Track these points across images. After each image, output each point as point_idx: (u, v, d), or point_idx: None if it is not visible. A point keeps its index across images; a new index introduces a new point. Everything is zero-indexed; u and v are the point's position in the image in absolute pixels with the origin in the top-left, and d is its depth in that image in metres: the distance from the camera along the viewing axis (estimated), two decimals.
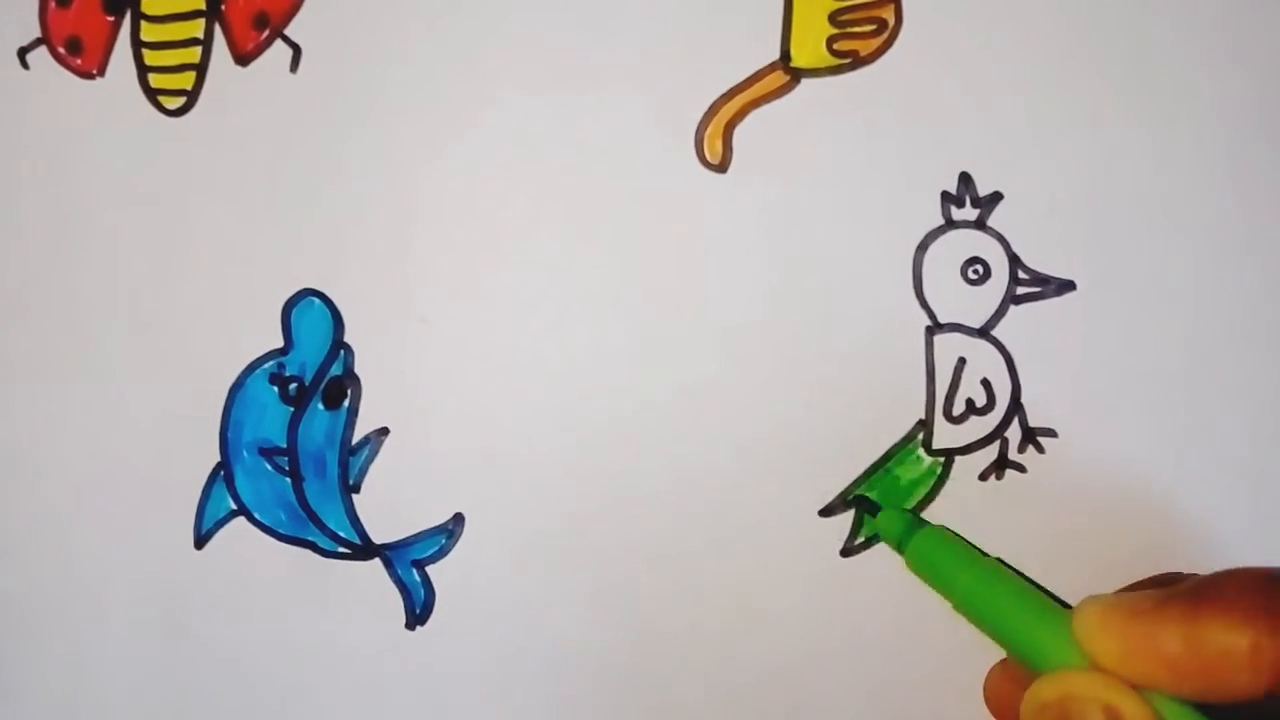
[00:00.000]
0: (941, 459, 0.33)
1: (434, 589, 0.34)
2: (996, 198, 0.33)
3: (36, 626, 0.36)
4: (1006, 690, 0.26)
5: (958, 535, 0.28)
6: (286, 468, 0.35)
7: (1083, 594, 0.32)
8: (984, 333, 0.33)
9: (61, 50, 0.36)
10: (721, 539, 0.33)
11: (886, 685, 0.33)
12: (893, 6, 0.33)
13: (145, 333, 0.35)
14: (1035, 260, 0.32)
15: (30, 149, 0.36)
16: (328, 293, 0.35)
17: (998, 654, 0.33)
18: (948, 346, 0.33)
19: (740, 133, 0.33)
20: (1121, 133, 0.33)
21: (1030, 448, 0.33)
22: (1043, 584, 0.33)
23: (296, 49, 0.35)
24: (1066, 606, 0.24)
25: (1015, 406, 0.33)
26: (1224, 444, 0.32)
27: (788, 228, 0.33)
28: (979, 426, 0.33)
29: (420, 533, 0.34)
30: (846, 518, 0.33)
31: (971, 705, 0.33)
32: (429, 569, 0.34)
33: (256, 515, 0.35)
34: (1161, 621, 0.22)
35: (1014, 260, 0.33)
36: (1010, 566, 0.26)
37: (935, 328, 0.33)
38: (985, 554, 0.27)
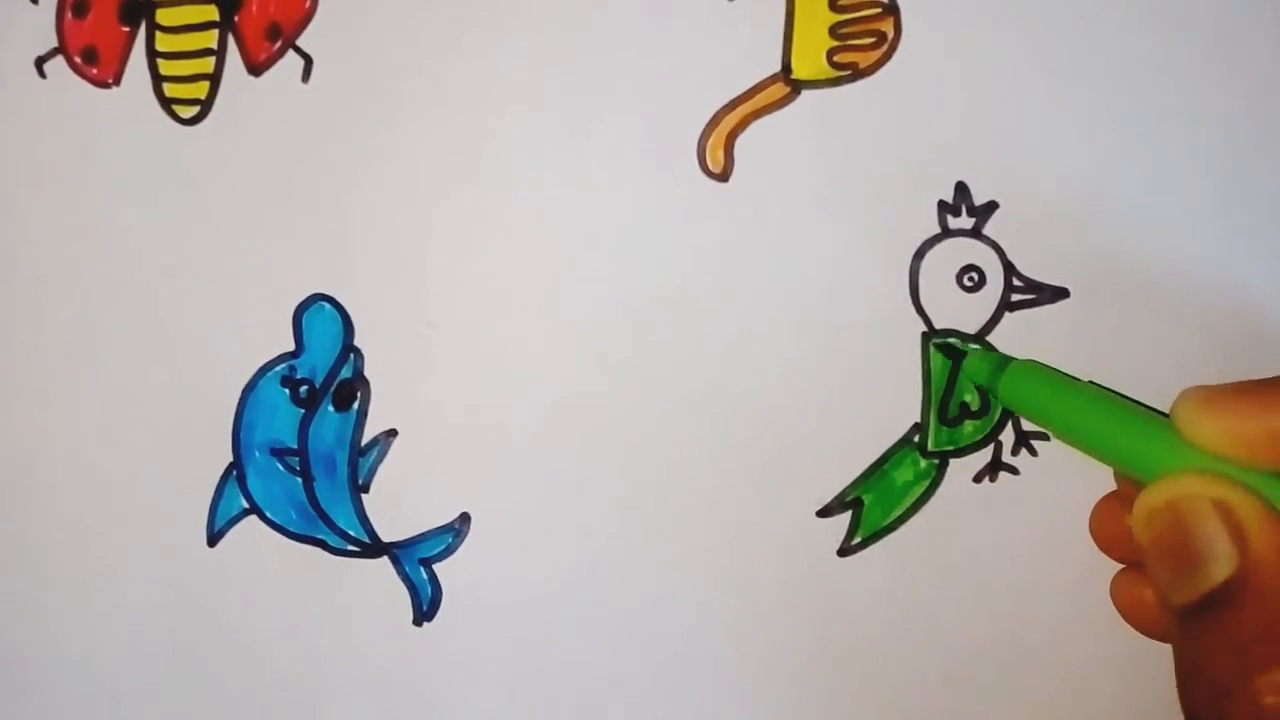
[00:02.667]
0: (936, 461, 0.33)
1: (441, 586, 0.35)
2: (992, 207, 0.33)
3: (52, 622, 0.36)
4: (1113, 516, 0.25)
5: (1044, 364, 0.27)
6: (297, 468, 0.35)
7: (1074, 593, 0.33)
8: (979, 339, 0.33)
9: (78, 60, 0.36)
10: (722, 539, 0.34)
11: (883, 684, 0.34)
12: (892, 20, 0.33)
13: (159, 336, 0.36)
14: (1029, 268, 0.33)
15: (47, 156, 0.36)
16: (338, 297, 0.35)
17: (1003, 651, 0.33)
18: (943, 351, 0.33)
19: (742, 143, 0.34)
20: (1115, 144, 0.33)
21: (1023, 450, 0.33)
22: (1035, 584, 0.33)
23: (308, 60, 0.35)
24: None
25: (1009, 411, 0.33)
26: None
27: (788, 235, 0.34)
28: (973, 430, 0.33)
29: (427, 532, 0.35)
30: (844, 518, 0.34)
31: (970, 704, 0.33)
32: (436, 567, 0.35)
33: (268, 514, 0.35)
34: (1267, 395, 0.21)
35: (1009, 268, 0.33)
36: (1103, 387, 0.25)
37: (931, 333, 0.33)
38: (1076, 378, 0.26)
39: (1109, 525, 0.26)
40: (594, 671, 0.34)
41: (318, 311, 0.35)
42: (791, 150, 0.34)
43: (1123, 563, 0.26)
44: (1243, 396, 0.21)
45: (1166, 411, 0.23)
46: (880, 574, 0.33)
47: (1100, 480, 0.33)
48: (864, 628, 0.34)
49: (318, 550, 0.35)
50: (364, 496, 0.35)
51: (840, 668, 0.34)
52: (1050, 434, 0.26)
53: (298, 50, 0.35)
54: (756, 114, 0.34)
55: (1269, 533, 0.20)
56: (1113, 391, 0.25)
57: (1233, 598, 0.20)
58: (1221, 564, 0.20)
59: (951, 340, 0.33)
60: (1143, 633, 0.26)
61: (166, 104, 0.36)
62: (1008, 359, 0.28)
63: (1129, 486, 0.24)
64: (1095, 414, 0.25)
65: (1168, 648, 0.32)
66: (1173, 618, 0.21)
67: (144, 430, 0.36)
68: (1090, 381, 0.26)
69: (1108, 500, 0.26)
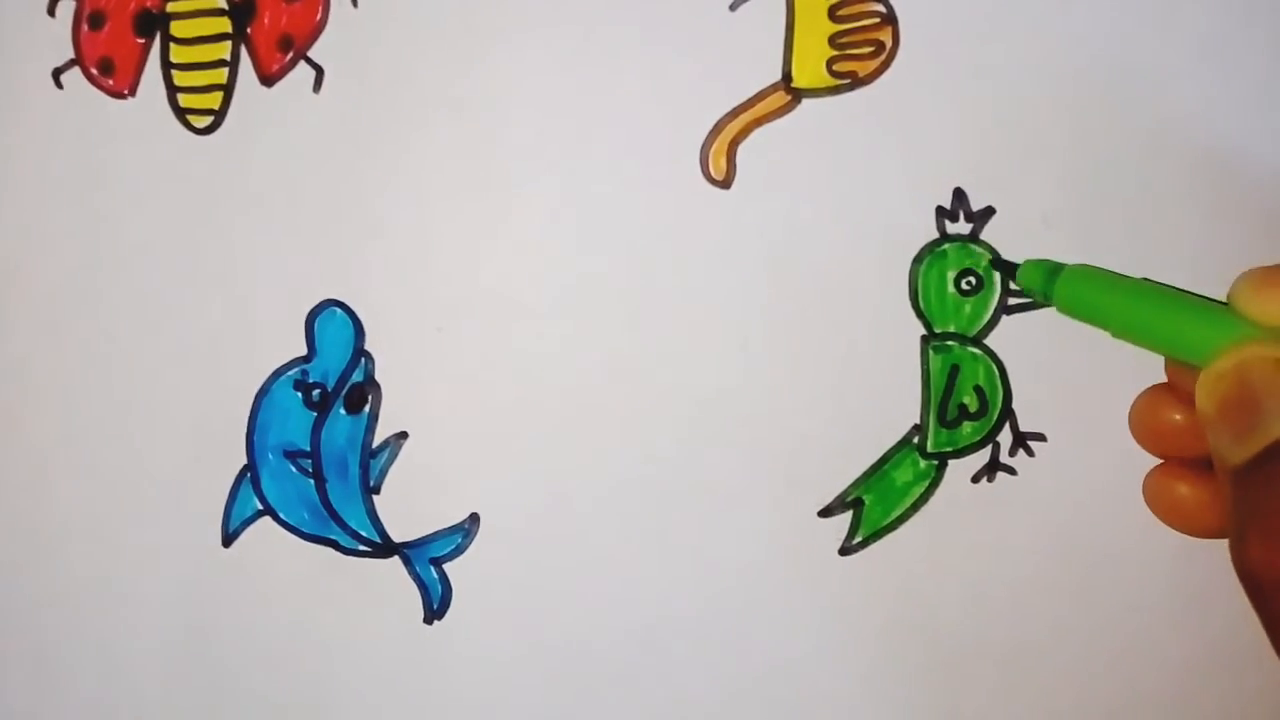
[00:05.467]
0: (936, 462, 0.34)
1: (451, 585, 0.35)
2: (989, 212, 0.34)
3: (72, 620, 0.37)
4: (1155, 408, 0.26)
5: (1099, 268, 0.27)
6: (310, 470, 0.36)
7: (1071, 591, 0.34)
8: (977, 341, 0.34)
9: (94, 71, 0.37)
10: (725, 538, 0.34)
11: (883, 680, 0.34)
12: (890, 30, 0.34)
13: (174, 341, 0.36)
14: None
15: (64, 166, 0.37)
16: (349, 303, 0.36)
17: (1001, 648, 0.34)
18: (942, 354, 0.34)
19: (744, 150, 0.34)
20: (1109, 150, 0.33)
21: (1021, 451, 0.34)
22: (1032, 580, 0.34)
23: (319, 70, 0.36)
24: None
25: (1006, 412, 0.34)
26: None
27: (789, 241, 0.34)
28: (972, 431, 0.34)
29: (437, 532, 0.35)
30: (845, 518, 0.34)
31: (969, 700, 0.34)
32: (446, 566, 0.35)
33: (281, 515, 0.36)
34: None
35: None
36: (1158, 283, 0.25)
37: (930, 336, 0.34)
38: (1130, 277, 0.26)
39: (1151, 417, 0.26)
40: (601, 670, 0.35)
41: (329, 317, 0.36)
42: (792, 157, 0.34)
43: (1158, 454, 0.26)
44: None
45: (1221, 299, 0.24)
46: (881, 572, 0.34)
47: (1098, 480, 0.33)
48: (865, 625, 0.34)
49: (330, 550, 0.36)
50: (375, 498, 0.35)
51: (841, 665, 0.34)
52: (1109, 333, 0.26)
53: (309, 61, 0.36)
54: (758, 122, 0.34)
55: None
56: (1166, 285, 0.25)
57: None
58: None
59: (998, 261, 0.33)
60: (1171, 525, 0.26)
61: (181, 114, 0.36)
62: (1060, 265, 0.29)
63: (1185, 377, 0.24)
64: (1153, 306, 0.25)
65: (1165, 647, 0.33)
66: (1231, 479, 0.22)
67: (160, 434, 0.36)
68: (1144, 278, 0.26)
69: (1152, 392, 0.26)
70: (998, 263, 0.33)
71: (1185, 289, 0.25)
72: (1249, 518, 0.21)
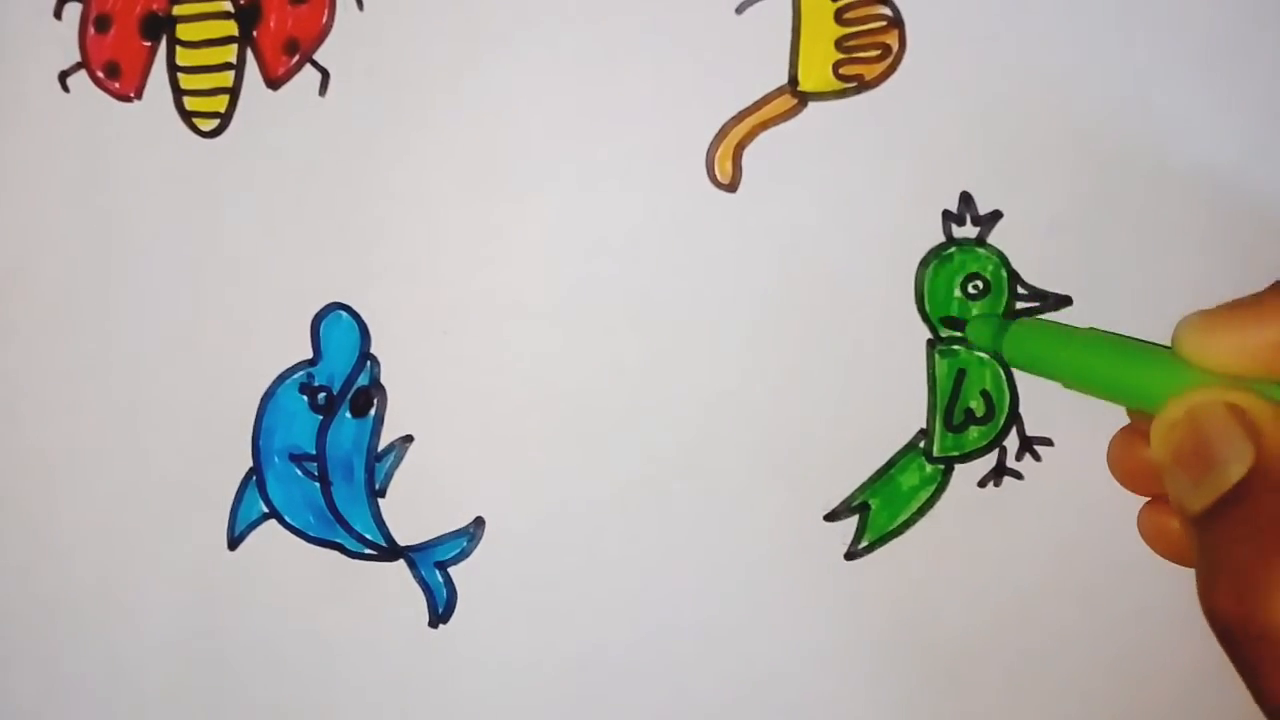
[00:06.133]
0: (942, 466, 0.34)
1: (456, 589, 0.35)
2: (996, 216, 0.34)
3: (77, 623, 0.37)
4: (1128, 448, 0.26)
5: (1046, 321, 0.27)
6: (315, 473, 0.36)
7: (1077, 596, 0.34)
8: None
9: (100, 74, 0.37)
10: (731, 542, 0.34)
11: (890, 685, 0.34)
12: (897, 33, 0.34)
13: (180, 344, 0.36)
14: (1033, 276, 0.33)
15: (70, 169, 0.37)
16: (355, 306, 0.36)
17: (1007, 653, 0.34)
18: (948, 358, 0.34)
19: (750, 154, 0.34)
20: (1117, 153, 0.33)
21: (1027, 456, 0.34)
22: (1036, 586, 0.34)
23: (325, 74, 0.36)
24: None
25: (1013, 417, 0.34)
26: None
27: (795, 245, 0.34)
28: (978, 435, 0.34)
29: (443, 535, 0.35)
30: (851, 522, 0.34)
31: (975, 705, 0.34)
32: (451, 570, 0.35)
33: (287, 518, 0.36)
34: (1262, 308, 0.22)
35: (1013, 276, 0.33)
36: (1105, 331, 0.26)
37: (936, 341, 0.34)
38: (1077, 328, 0.27)
39: (1125, 457, 0.26)
40: (606, 674, 0.35)
41: (335, 320, 0.36)
42: (799, 161, 0.34)
43: (1141, 494, 0.26)
44: (1236, 313, 0.22)
45: (1166, 344, 0.24)
46: (887, 577, 0.34)
47: (1105, 485, 0.33)
48: (870, 629, 0.34)
49: (335, 554, 0.36)
50: (381, 501, 0.36)
51: (847, 669, 0.34)
52: (1061, 385, 0.26)
53: (315, 64, 0.36)
54: (764, 125, 0.34)
55: None
56: (1112, 334, 0.26)
57: (1251, 491, 0.21)
58: (1239, 461, 0.21)
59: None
60: (1168, 558, 0.26)
61: (187, 117, 0.36)
62: (1008, 321, 0.29)
63: (1143, 419, 0.24)
64: (1101, 356, 0.25)
65: (1171, 653, 0.33)
66: (1192, 526, 0.22)
67: (165, 437, 0.36)
68: (1090, 328, 0.26)
69: (1123, 434, 0.27)
70: (949, 321, 0.33)
71: (1134, 338, 0.26)
72: (1215, 567, 0.21)
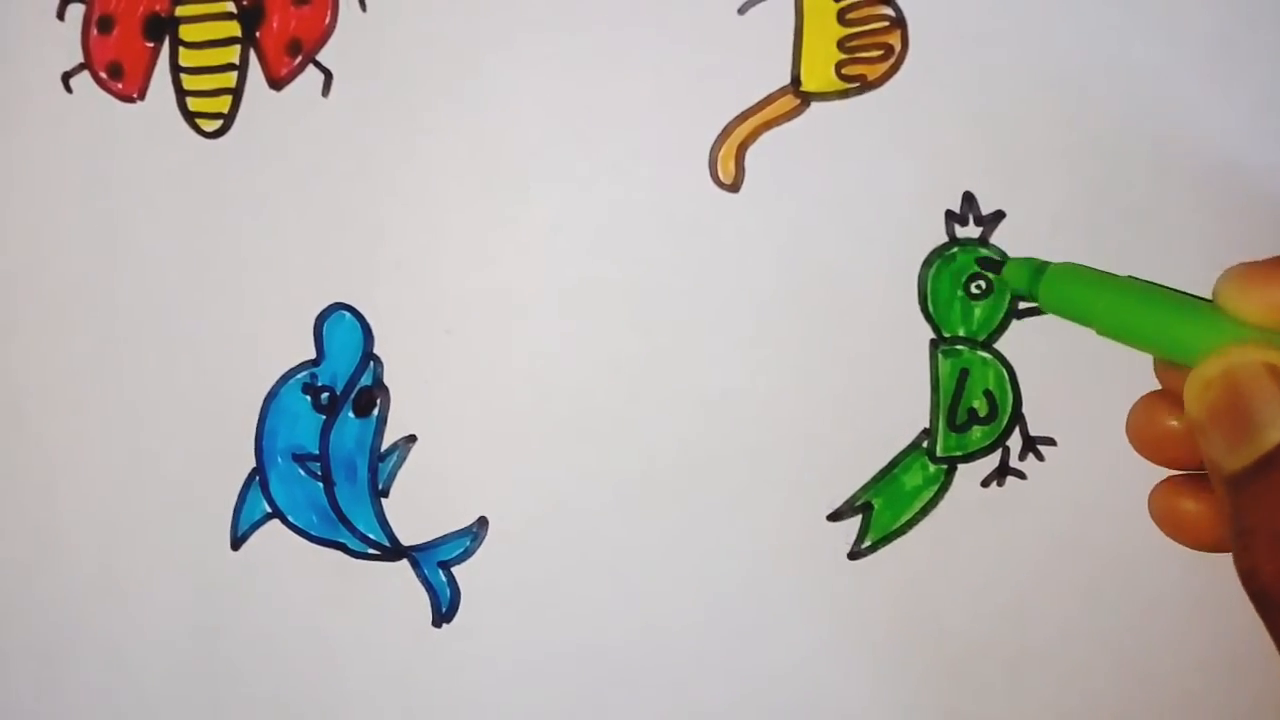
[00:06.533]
0: (945, 466, 0.34)
1: (459, 589, 0.35)
2: (999, 216, 0.34)
3: (82, 622, 0.37)
4: (1152, 416, 0.25)
5: (1083, 265, 0.26)
6: (319, 473, 0.36)
7: (1079, 595, 0.34)
8: (986, 345, 0.34)
9: (103, 75, 0.37)
10: (735, 542, 0.34)
11: (893, 684, 0.34)
12: (899, 33, 0.34)
13: (184, 345, 0.36)
14: None
15: (74, 169, 0.37)
16: (358, 307, 0.36)
17: (1009, 651, 0.34)
18: (951, 358, 0.34)
19: (752, 154, 0.34)
20: (1118, 153, 0.33)
21: (1030, 456, 0.34)
22: (1041, 585, 0.34)
23: (328, 74, 0.36)
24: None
25: (1016, 416, 0.34)
26: None
27: (798, 245, 0.34)
28: (981, 435, 0.34)
29: (446, 535, 0.35)
30: (854, 522, 0.34)
31: (977, 703, 0.34)
32: (454, 570, 0.35)
33: (290, 518, 0.36)
34: None
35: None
36: (1144, 280, 0.25)
37: (940, 340, 0.34)
38: (1116, 275, 0.26)
39: (1147, 424, 0.26)
40: (609, 673, 0.35)
41: (338, 320, 0.36)
42: (801, 161, 0.34)
43: (1160, 463, 0.26)
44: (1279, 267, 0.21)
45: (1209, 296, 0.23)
46: (890, 576, 0.34)
47: (1108, 485, 0.33)
48: (874, 628, 0.34)
49: (338, 553, 0.36)
50: (384, 501, 0.36)
51: (850, 668, 0.34)
52: (1095, 331, 0.25)
53: (318, 65, 0.36)
54: (767, 125, 0.34)
55: None
56: (1151, 283, 0.25)
57: None
58: (1277, 426, 0.20)
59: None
60: (1179, 541, 0.26)
61: (190, 117, 0.36)
62: (1045, 263, 0.28)
63: (1174, 379, 0.24)
64: (1139, 304, 0.24)
65: (1174, 652, 0.33)
66: (1227, 487, 0.21)
67: (170, 437, 0.36)
68: (1129, 276, 0.25)
69: (1148, 399, 0.26)
70: (986, 262, 0.33)
71: (1174, 288, 0.25)
72: (1253, 529, 0.20)
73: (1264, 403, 0.21)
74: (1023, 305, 0.34)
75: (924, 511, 0.34)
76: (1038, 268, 0.28)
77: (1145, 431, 0.26)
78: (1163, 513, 0.26)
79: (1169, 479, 0.26)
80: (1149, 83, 0.33)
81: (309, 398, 0.36)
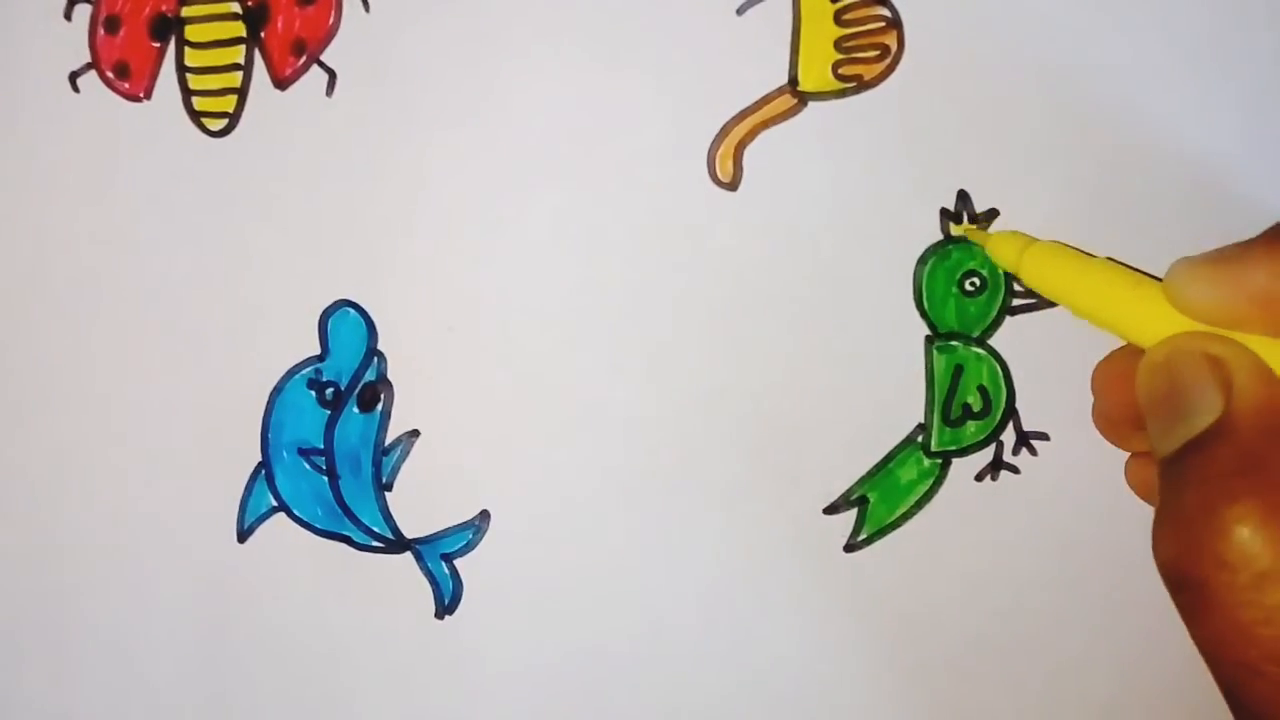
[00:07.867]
0: (940, 460, 0.34)
1: (462, 581, 0.36)
2: (993, 214, 0.34)
3: (88, 615, 0.37)
4: (1118, 370, 0.25)
5: (1066, 245, 0.26)
6: (323, 467, 0.36)
7: (1073, 588, 0.34)
8: (980, 341, 0.34)
9: (110, 74, 0.37)
10: (732, 535, 0.35)
11: (887, 675, 0.34)
12: (895, 33, 0.34)
13: (190, 342, 0.36)
14: None
15: (80, 168, 0.37)
16: (362, 303, 0.36)
17: (1004, 645, 0.34)
18: (946, 354, 0.34)
19: (750, 153, 0.35)
20: (1113, 152, 0.34)
21: (1024, 450, 0.34)
22: (1034, 577, 0.34)
23: (332, 74, 0.36)
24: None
25: (1010, 411, 0.34)
26: None
27: (795, 242, 0.35)
28: (975, 430, 0.34)
29: (449, 528, 0.36)
30: (850, 515, 0.34)
31: (972, 696, 0.34)
32: (457, 562, 0.36)
33: (295, 511, 0.36)
34: (1246, 260, 0.21)
35: (1009, 273, 0.34)
36: (1119, 263, 0.25)
37: (934, 337, 0.34)
38: (1094, 256, 0.26)
39: (1112, 377, 0.26)
40: (609, 664, 0.35)
41: (343, 317, 0.36)
42: (798, 160, 0.35)
43: (1120, 447, 0.26)
44: (1223, 262, 0.21)
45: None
46: (885, 569, 0.34)
47: (1100, 479, 0.33)
48: (869, 621, 0.34)
49: (343, 546, 0.36)
50: (388, 494, 0.36)
51: (845, 661, 0.35)
52: (1071, 313, 0.26)
53: (322, 65, 0.36)
54: (764, 124, 0.35)
55: (1254, 381, 0.21)
56: (1126, 266, 0.25)
57: (1212, 440, 0.20)
58: (1207, 412, 0.21)
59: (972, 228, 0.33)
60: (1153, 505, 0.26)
61: (195, 117, 0.37)
62: (1032, 239, 0.28)
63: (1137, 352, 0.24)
64: (1105, 288, 0.25)
65: (1168, 644, 0.33)
66: (1159, 470, 0.21)
67: (175, 432, 0.37)
68: (1107, 257, 0.26)
69: (1111, 356, 0.26)
70: (965, 235, 0.33)
71: (1151, 273, 0.25)
72: (1166, 513, 0.21)
73: (1199, 390, 0.21)
74: (1016, 302, 0.34)
75: (919, 505, 0.34)
76: (1024, 245, 0.28)
77: (1106, 381, 0.26)
78: (1137, 479, 0.26)
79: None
80: (1144, 81, 0.34)
81: (314, 393, 0.36)
